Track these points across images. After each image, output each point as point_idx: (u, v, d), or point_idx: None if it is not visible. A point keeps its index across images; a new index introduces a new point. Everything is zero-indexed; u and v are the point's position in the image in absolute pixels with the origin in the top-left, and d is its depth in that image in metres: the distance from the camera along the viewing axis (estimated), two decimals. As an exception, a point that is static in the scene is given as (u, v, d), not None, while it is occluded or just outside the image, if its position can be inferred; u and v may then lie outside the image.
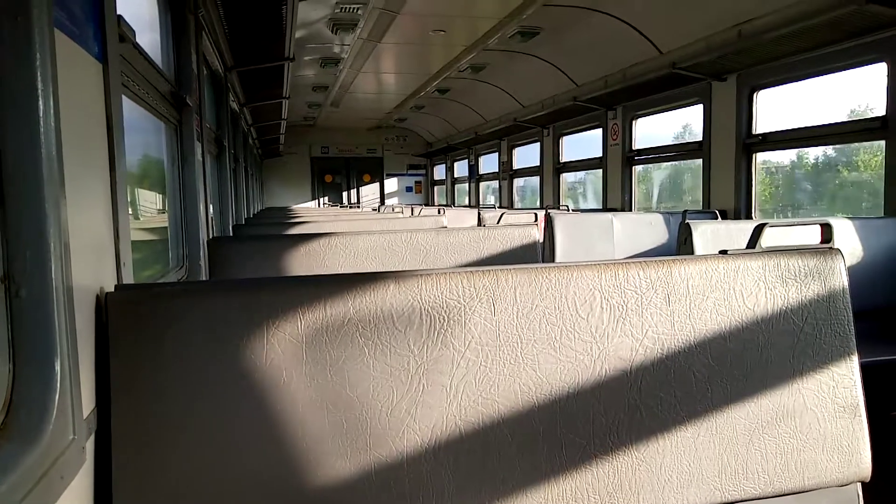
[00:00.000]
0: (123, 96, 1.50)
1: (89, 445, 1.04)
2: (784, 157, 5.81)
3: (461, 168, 14.45)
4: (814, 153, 5.71)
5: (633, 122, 7.08)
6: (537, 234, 2.62)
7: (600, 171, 7.69)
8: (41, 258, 0.90)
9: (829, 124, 4.56)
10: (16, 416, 0.88)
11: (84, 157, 1.11)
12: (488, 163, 12.70)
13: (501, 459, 1.21)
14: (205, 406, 1.11)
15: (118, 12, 1.45)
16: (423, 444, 1.18)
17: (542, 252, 2.71)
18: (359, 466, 1.16)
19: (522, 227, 2.61)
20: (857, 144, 4.97)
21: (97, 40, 1.22)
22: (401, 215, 5.10)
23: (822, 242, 1.47)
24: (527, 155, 10.67)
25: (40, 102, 0.89)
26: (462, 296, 1.22)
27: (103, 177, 1.22)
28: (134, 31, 2.03)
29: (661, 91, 6.23)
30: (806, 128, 4.79)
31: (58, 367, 0.91)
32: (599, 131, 7.63)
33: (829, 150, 5.49)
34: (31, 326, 0.89)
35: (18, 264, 0.89)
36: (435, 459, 1.19)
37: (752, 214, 5.27)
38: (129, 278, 1.32)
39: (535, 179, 9.98)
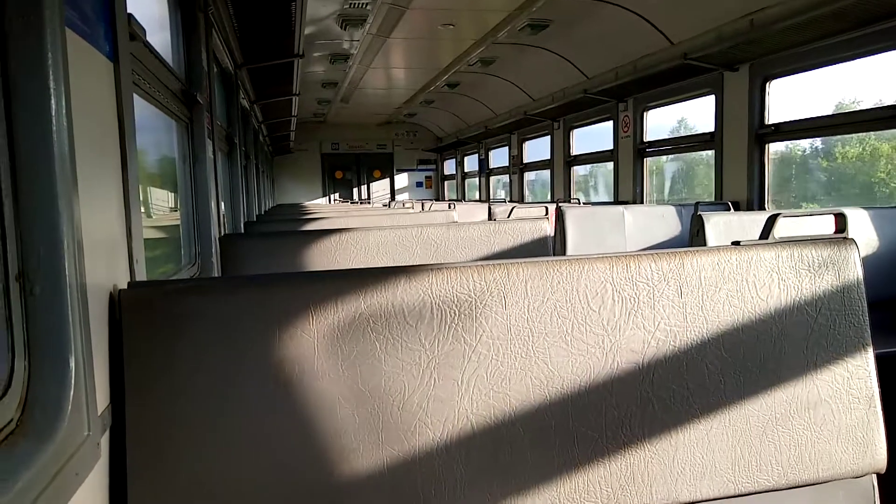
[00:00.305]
0: (135, 94, 1.51)
1: (104, 442, 1.05)
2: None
3: (471, 162, 14.42)
4: (803, 145, 5.83)
5: (645, 113, 7.03)
6: (548, 228, 2.62)
7: (611, 163, 7.66)
8: (55, 256, 0.90)
9: (844, 113, 4.52)
10: (31, 413, 0.89)
11: (96, 156, 1.12)
12: (498, 157, 12.67)
13: (513, 453, 1.21)
14: (218, 402, 1.12)
15: (128, 11, 1.46)
16: (434, 438, 1.18)
17: (553, 246, 2.71)
18: (371, 461, 1.16)
19: (533, 221, 2.60)
20: (837, 138, 5.03)
21: (108, 39, 1.23)
22: (411, 210, 5.10)
23: (836, 232, 1.45)
24: (537, 148, 10.63)
25: (52, 101, 0.90)
26: (473, 290, 1.21)
27: (115, 175, 1.23)
28: (144, 30, 2.04)
29: (673, 82, 6.19)
30: (820, 117, 4.75)
31: (72, 364, 0.91)
32: (610, 123, 7.59)
33: (818, 142, 5.62)
34: (46, 324, 0.90)
35: (32, 262, 0.90)
36: (447, 453, 1.19)
37: (766, 205, 5.23)
38: (142, 276, 1.33)
39: (546, 173, 9.95)
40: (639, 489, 1.26)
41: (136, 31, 1.86)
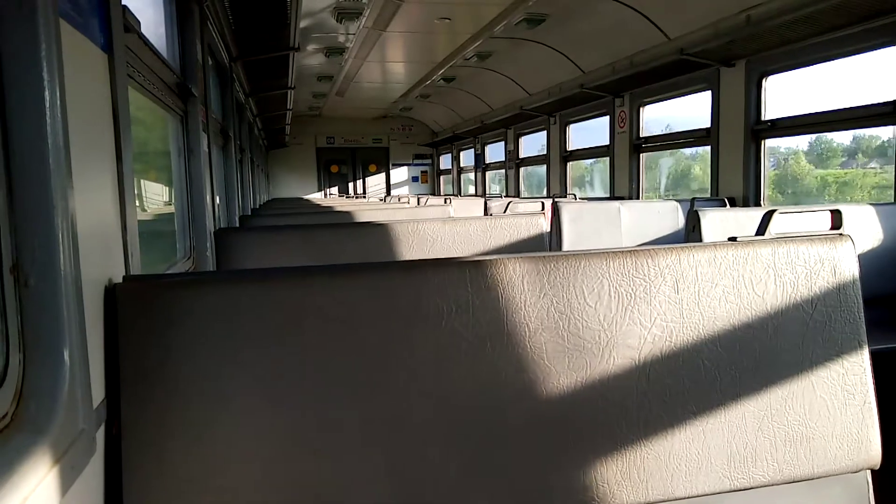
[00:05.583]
0: (129, 87, 1.50)
1: (99, 436, 1.04)
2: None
3: (467, 157, 14.41)
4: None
5: (641, 109, 7.03)
6: (544, 224, 2.62)
7: (607, 158, 7.67)
8: (49, 248, 0.90)
9: (839, 110, 4.52)
10: (26, 407, 0.88)
11: (91, 148, 1.11)
12: (494, 152, 12.66)
13: (508, 449, 1.21)
14: (215, 396, 1.11)
15: (123, 2, 1.45)
16: (429, 432, 1.18)
17: (549, 241, 2.71)
18: (365, 456, 1.16)
19: (529, 216, 2.60)
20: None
21: (103, 31, 1.22)
22: (407, 205, 5.09)
23: (832, 229, 1.46)
24: (533, 143, 10.63)
25: (46, 93, 0.89)
26: (469, 285, 1.21)
27: (110, 168, 1.22)
28: (139, 22, 2.02)
29: (669, 77, 6.18)
30: (815, 113, 4.75)
31: (67, 358, 0.91)
32: (606, 119, 7.59)
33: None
34: (40, 317, 0.90)
35: (27, 255, 0.89)
36: (442, 449, 1.19)
37: (761, 202, 5.23)
38: (136, 269, 1.32)
39: (542, 168, 9.95)
40: (635, 485, 1.26)
41: (130, 23, 1.84)
